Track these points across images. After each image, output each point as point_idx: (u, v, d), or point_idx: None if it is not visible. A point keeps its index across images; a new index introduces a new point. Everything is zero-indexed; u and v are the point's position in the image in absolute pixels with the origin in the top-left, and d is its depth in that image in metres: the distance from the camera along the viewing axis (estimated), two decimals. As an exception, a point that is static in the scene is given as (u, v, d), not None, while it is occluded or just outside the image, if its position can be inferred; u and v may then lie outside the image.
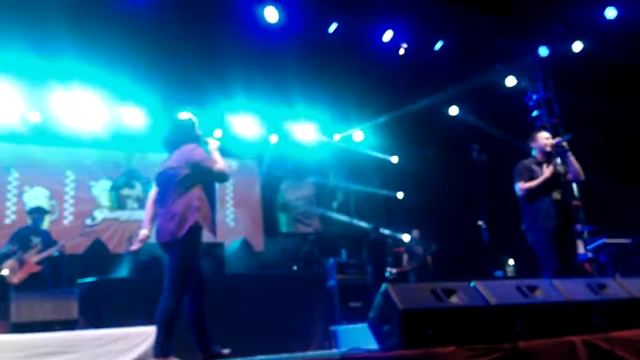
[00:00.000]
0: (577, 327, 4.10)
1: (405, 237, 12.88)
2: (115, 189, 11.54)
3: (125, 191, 11.63)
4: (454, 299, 4.04)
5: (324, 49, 10.06)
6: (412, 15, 9.85)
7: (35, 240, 8.16)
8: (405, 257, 12.17)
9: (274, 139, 12.61)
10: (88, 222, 9.49)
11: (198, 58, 9.42)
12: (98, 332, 6.21)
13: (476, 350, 3.64)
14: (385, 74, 11.07)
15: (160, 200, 4.90)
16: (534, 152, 6.21)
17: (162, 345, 4.53)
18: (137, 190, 11.72)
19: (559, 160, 6.15)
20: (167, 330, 4.53)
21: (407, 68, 10.91)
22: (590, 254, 8.45)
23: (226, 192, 12.59)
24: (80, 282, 7.45)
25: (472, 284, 4.23)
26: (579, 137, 6.15)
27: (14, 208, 10.44)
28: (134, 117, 10.69)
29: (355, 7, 9.53)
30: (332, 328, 8.14)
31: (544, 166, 6.03)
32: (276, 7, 9.09)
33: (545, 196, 5.93)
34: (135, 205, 11.60)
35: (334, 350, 7.36)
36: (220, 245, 8.28)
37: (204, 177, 4.86)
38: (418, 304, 3.89)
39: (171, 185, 4.79)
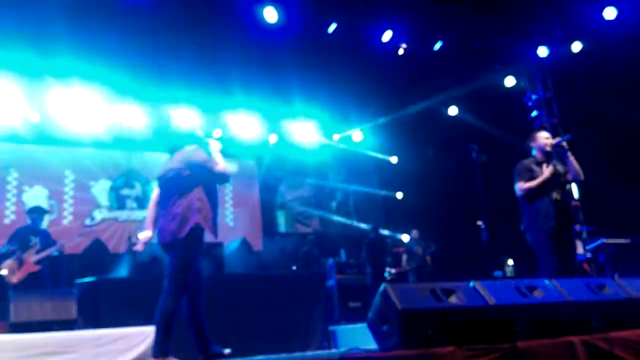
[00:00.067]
0: (576, 328, 4.09)
1: (405, 237, 12.89)
2: (114, 188, 11.54)
3: (125, 191, 11.63)
4: (453, 299, 4.04)
5: (323, 49, 10.06)
6: (411, 16, 9.85)
7: (34, 240, 8.15)
8: (404, 257, 12.19)
9: (273, 139, 12.62)
10: (87, 222, 9.49)
11: (198, 58, 9.43)
12: (97, 332, 6.20)
13: (475, 350, 3.64)
14: (385, 74, 11.08)
15: (162, 201, 4.93)
16: (534, 152, 6.20)
17: (161, 345, 4.54)
18: (137, 190, 11.72)
19: (558, 160, 6.16)
20: (166, 331, 4.54)
21: (406, 68, 10.92)
22: (589, 254, 8.46)
23: (225, 192, 12.58)
24: (79, 282, 7.44)
25: (471, 284, 4.22)
26: (578, 137, 6.15)
27: (13, 208, 10.44)
28: (134, 117, 10.69)
29: (355, 7, 9.52)
30: (331, 328, 8.13)
31: (544, 166, 6.03)
32: (275, 7, 9.08)
33: (544, 196, 5.93)
34: (135, 205, 11.60)
35: (333, 351, 7.36)
36: (219, 245, 8.28)
37: (206, 179, 4.88)
38: (417, 304, 3.89)
39: (172, 186, 4.81)
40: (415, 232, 12.39)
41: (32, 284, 7.73)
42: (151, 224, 5.12)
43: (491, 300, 4.08)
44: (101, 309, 7.00)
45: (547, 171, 5.98)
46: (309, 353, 7.03)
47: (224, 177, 5.00)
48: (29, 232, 8.29)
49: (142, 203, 11.59)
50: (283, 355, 6.08)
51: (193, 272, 4.75)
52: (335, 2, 9.47)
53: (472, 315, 3.99)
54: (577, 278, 5.03)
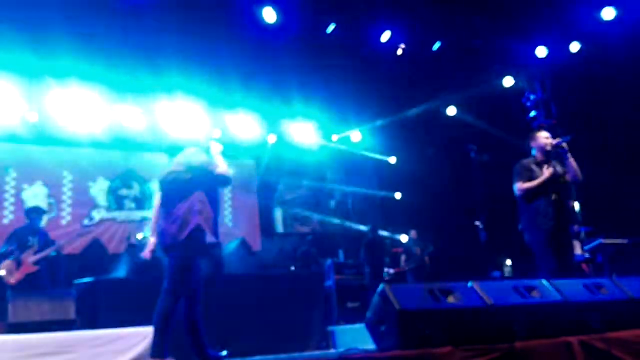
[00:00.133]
0: (574, 328, 4.09)
1: (403, 238, 12.89)
2: (113, 189, 11.53)
3: (123, 191, 11.62)
4: (451, 300, 4.04)
5: (322, 49, 10.06)
6: (410, 16, 9.85)
7: (33, 240, 8.15)
8: (403, 257, 12.20)
9: (272, 139, 12.62)
10: (86, 222, 9.49)
11: (197, 58, 9.43)
12: (95, 332, 6.18)
13: (473, 350, 3.64)
14: (383, 75, 11.09)
15: (164, 204, 4.96)
16: (534, 152, 6.20)
17: (159, 346, 4.55)
18: (135, 190, 11.71)
19: (557, 160, 6.16)
20: (164, 331, 4.55)
21: (405, 69, 10.92)
22: (587, 255, 8.46)
23: (224, 192, 12.57)
24: (77, 283, 7.43)
25: (470, 284, 4.23)
26: (577, 137, 6.16)
27: (11, 208, 10.43)
28: (132, 117, 10.68)
29: (354, 8, 9.52)
30: (330, 328, 8.12)
31: (545, 167, 6.03)
32: (274, 8, 9.08)
33: (543, 197, 5.93)
34: (133, 205, 11.59)
35: (332, 351, 7.35)
36: (218, 246, 8.27)
37: (207, 181, 4.90)
38: (415, 305, 3.89)
39: (174, 189, 4.84)
40: (413, 233, 12.40)
41: (30, 285, 7.73)
42: (156, 230, 5.13)
43: (489, 301, 4.09)
44: (100, 309, 6.98)
45: (547, 172, 5.98)
46: (308, 353, 7.01)
47: (225, 180, 5.03)
48: (28, 232, 8.28)
49: (140, 203, 11.59)
50: (281, 355, 6.08)
51: (192, 274, 4.76)
52: (334, 2, 9.46)
53: (471, 316, 4.00)
54: (575, 278, 5.02)
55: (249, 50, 9.70)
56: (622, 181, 9.54)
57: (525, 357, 3.73)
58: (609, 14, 9.66)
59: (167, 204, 4.87)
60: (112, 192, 11.51)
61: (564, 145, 6.01)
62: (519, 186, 6.03)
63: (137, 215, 11.44)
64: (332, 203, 14.35)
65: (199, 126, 10.58)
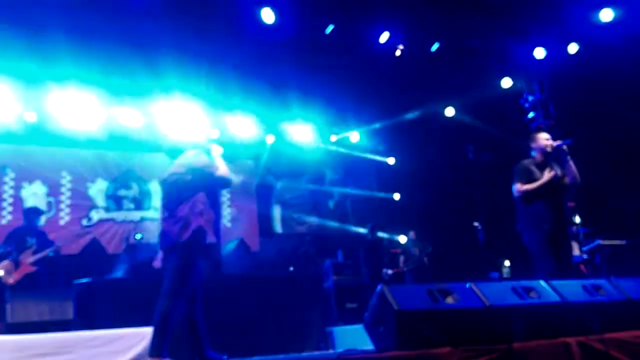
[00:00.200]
0: (572, 329, 4.10)
1: (402, 238, 12.89)
2: (111, 189, 11.53)
3: (122, 192, 11.62)
4: (449, 300, 4.05)
5: (321, 50, 10.06)
6: (408, 17, 9.86)
7: (31, 240, 8.15)
8: (401, 258, 12.19)
9: (270, 139, 12.62)
10: (84, 222, 9.48)
11: (195, 59, 9.43)
12: (93, 333, 6.17)
13: (471, 351, 3.65)
14: (382, 76, 11.09)
15: (165, 205, 4.97)
16: (534, 153, 6.21)
17: (157, 346, 4.56)
18: (134, 190, 11.71)
19: (556, 162, 6.17)
20: (164, 331, 4.56)
21: (403, 69, 10.92)
22: (585, 256, 8.47)
23: (223, 192, 12.57)
24: (76, 283, 7.43)
25: (468, 285, 4.23)
26: (575, 138, 6.16)
27: (10, 209, 10.43)
28: (130, 118, 10.68)
29: (352, 9, 9.52)
30: (328, 329, 8.13)
31: (546, 171, 6.02)
32: (273, 9, 9.08)
33: (542, 198, 5.94)
34: (132, 205, 11.59)
35: (330, 352, 7.36)
36: (216, 246, 8.26)
37: (207, 183, 4.92)
38: (414, 305, 3.90)
39: (175, 190, 4.86)
40: (412, 233, 12.39)
41: (28, 285, 7.74)
42: None
43: (487, 301, 4.09)
44: (98, 309, 6.98)
45: (547, 175, 5.98)
46: (306, 354, 7.01)
47: (225, 182, 5.05)
48: (26, 232, 8.29)
49: (139, 204, 11.60)
50: (280, 356, 6.08)
51: (193, 275, 4.77)
52: (332, 3, 9.46)
53: (469, 316, 4.00)
54: (573, 279, 5.03)
55: (247, 51, 9.70)
56: (619, 182, 9.55)
57: (523, 357, 3.74)
58: (606, 15, 9.68)
59: (169, 205, 4.88)
60: (111, 192, 11.51)
61: (565, 147, 6.02)
62: (518, 187, 6.03)
63: (136, 215, 11.45)
64: (331, 203, 14.35)
65: (197, 126, 10.58)
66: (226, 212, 12.66)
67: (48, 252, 8.12)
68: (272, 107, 11.62)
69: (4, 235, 8.59)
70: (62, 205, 10.94)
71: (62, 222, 10.84)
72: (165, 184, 5.00)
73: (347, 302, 9.36)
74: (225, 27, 9.25)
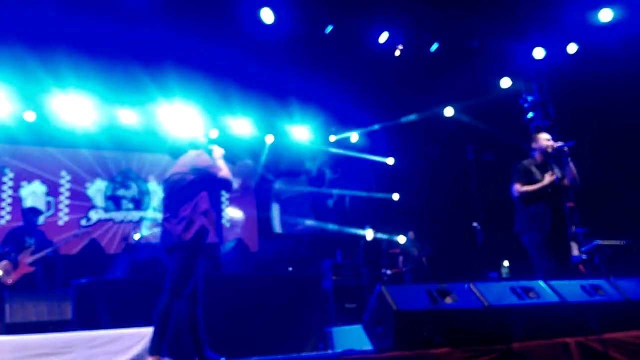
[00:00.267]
0: (571, 329, 4.10)
1: (401, 239, 12.90)
2: (110, 189, 11.53)
3: (121, 192, 11.62)
4: (448, 301, 4.05)
5: (320, 51, 10.06)
6: (408, 17, 9.86)
7: (30, 241, 8.16)
8: (400, 258, 12.20)
9: (269, 139, 12.63)
10: (83, 222, 9.48)
11: (194, 60, 9.43)
12: (92, 333, 6.17)
13: (471, 351, 3.66)
14: (381, 76, 11.09)
15: (167, 205, 4.98)
16: (534, 154, 6.20)
17: (158, 344, 4.58)
18: (133, 191, 11.71)
19: (556, 163, 6.17)
20: (164, 330, 4.58)
21: (403, 70, 10.92)
22: (584, 256, 8.47)
23: (222, 193, 12.58)
24: (75, 283, 7.43)
25: (467, 285, 4.24)
26: (575, 139, 6.15)
27: (9, 209, 10.43)
28: (129, 118, 10.68)
29: (351, 9, 9.52)
30: (327, 329, 8.13)
31: (547, 174, 6.01)
32: (272, 10, 9.08)
33: (541, 199, 5.94)
34: (131, 206, 11.59)
35: (329, 352, 7.37)
36: (216, 246, 8.27)
37: (210, 183, 4.94)
38: (413, 306, 3.90)
39: (178, 190, 4.88)
40: (411, 234, 12.41)
41: (27, 285, 7.74)
42: None
43: (487, 302, 4.10)
44: (97, 310, 6.98)
45: (547, 179, 5.97)
46: (305, 354, 7.02)
47: (227, 184, 5.08)
48: (25, 233, 8.29)
49: (138, 204, 11.60)
50: (279, 356, 6.09)
51: (196, 275, 4.79)
52: (331, 4, 9.46)
53: (468, 317, 4.01)
54: (572, 280, 5.03)
55: (246, 52, 9.70)
56: (619, 183, 9.55)
57: (523, 358, 3.74)
58: (606, 15, 9.68)
59: (171, 205, 4.91)
60: (110, 192, 11.51)
61: (566, 149, 6.01)
62: (518, 188, 6.03)
63: (135, 215, 11.46)
64: (330, 203, 14.35)
65: (196, 126, 10.59)
66: (224, 213, 12.67)
67: (47, 252, 8.12)
68: (271, 108, 11.62)
69: (3, 235, 8.58)
70: (61, 206, 10.95)
71: (61, 223, 10.84)
72: (167, 184, 5.01)
73: (346, 302, 9.34)
74: (224, 29, 9.24)
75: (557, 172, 6.06)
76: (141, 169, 11.73)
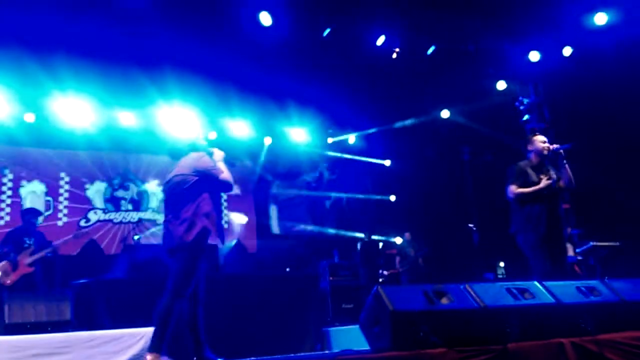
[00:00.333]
0: (566, 330, 4.11)
1: (398, 240, 12.93)
2: (109, 190, 11.55)
3: (120, 193, 11.64)
4: (444, 301, 4.06)
5: (317, 53, 10.10)
6: (404, 20, 9.89)
7: (29, 241, 8.16)
8: (397, 259, 12.23)
9: (267, 141, 12.66)
10: (82, 223, 9.49)
11: (194, 62, 9.45)
12: (91, 333, 6.18)
13: (466, 352, 3.67)
14: (378, 78, 11.12)
15: (168, 207, 5.01)
16: (530, 155, 6.22)
17: (158, 343, 4.60)
18: (131, 191, 11.73)
19: (552, 165, 6.19)
20: (165, 329, 4.60)
21: (399, 72, 10.95)
22: (579, 257, 8.51)
23: (220, 193, 12.58)
24: (74, 284, 7.44)
25: (463, 286, 4.26)
26: (570, 141, 6.17)
27: (8, 210, 10.44)
28: (128, 120, 10.70)
29: (348, 12, 9.55)
30: (325, 329, 8.16)
31: (543, 177, 6.03)
32: (269, 13, 9.10)
33: (537, 200, 5.95)
34: (130, 206, 11.61)
35: (326, 352, 7.39)
36: (214, 247, 8.28)
37: (211, 185, 4.96)
38: (409, 306, 3.91)
39: (180, 191, 4.89)
40: (407, 235, 12.43)
41: (26, 286, 7.75)
42: None
43: (482, 302, 4.11)
44: (96, 310, 7.00)
45: (543, 182, 5.98)
46: (302, 354, 7.04)
47: (227, 186, 5.10)
48: (23, 233, 8.29)
49: (137, 205, 11.62)
50: (276, 356, 6.11)
51: (197, 276, 4.82)
52: (329, 7, 9.49)
53: (464, 317, 4.01)
54: (567, 280, 5.05)
55: (244, 55, 9.72)
56: (614, 184, 9.58)
57: (518, 358, 3.75)
58: (601, 18, 9.73)
59: (174, 206, 4.93)
60: (109, 193, 11.53)
61: (562, 151, 6.02)
62: (513, 189, 6.04)
63: (134, 216, 11.48)
64: (328, 203, 14.38)
65: (194, 128, 10.61)
66: (223, 214, 12.68)
67: (46, 252, 8.13)
68: (269, 110, 11.65)
69: (2, 236, 8.59)
70: (61, 207, 10.97)
71: (60, 223, 10.85)
72: (169, 185, 5.03)
73: (343, 302, 9.37)
74: (223, 31, 9.27)
75: (553, 174, 6.07)
76: (140, 170, 11.75)
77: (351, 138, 13.43)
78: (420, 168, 13.17)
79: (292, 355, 6.50)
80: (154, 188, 11.74)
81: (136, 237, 9.35)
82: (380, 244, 12.92)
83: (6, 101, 9.66)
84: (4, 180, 10.56)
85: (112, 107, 10.52)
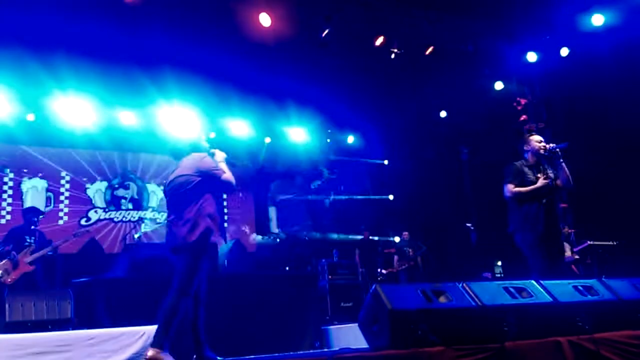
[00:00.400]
0: (563, 328, 4.12)
1: (396, 239, 12.95)
2: (110, 189, 11.57)
3: (120, 192, 11.66)
4: (442, 300, 4.08)
5: (317, 54, 10.10)
6: (403, 21, 9.91)
7: (29, 240, 8.18)
8: (395, 258, 12.25)
9: (267, 140, 12.69)
10: (83, 222, 9.50)
11: (193, 62, 9.47)
12: (91, 331, 6.19)
13: (464, 350, 3.69)
14: (377, 78, 11.14)
15: (171, 207, 5.03)
16: (526, 155, 6.24)
17: (161, 339, 4.63)
18: (132, 190, 11.75)
19: (549, 164, 6.21)
20: (167, 326, 4.63)
21: (398, 72, 10.97)
22: (576, 256, 8.53)
23: (221, 194, 12.61)
24: (74, 282, 7.47)
25: (461, 284, 4.28)
26: (568, 141, 6.19)
27: (9, 208, 10.46)
28: (129, 119, 10.72)
29: (347, 12, 9.57)
30: (324, 327, 8.18)
31: (541, 177, 6.05)
32: (269, 13, 9.12)
33: (534, 200, 5.97)
34: (130, 206, 11.63)
35: (325, 350, 7.41)
36: (214, 246, 8.30)
37: (213, 186, 4.99)
38: (407, 305, 3.92)
39: (183, 192, 4.92)
40: (406, 234, 12.44)
41: (26, 284, 7.77)
42: None
43: (480, 301, 4.12)
44: (96, 308, 7.02)
45: (541, 182, 5.99)
46: (301, 352, 7.06)
47: (229, 186, 5.12)
48: (24, 232, 8.31)
49: (137, 204, 11.64)
50: (275, 355, 6.13)
51: (200, 275, 4.84)
52: (328, 8, 9.50)
53: (462, 316, 4.02)
54: (565, 279, 5.07)
55: (244, 56, 9.74)
56: (611, 183, 9.61)
57: (515, 356, 3.77)
58: (598, 20, 9.76)
59: (177, 206, 4.95)
60: (109, 192, 11.55)
61: (559, 151, 6.04)
62: (510, 188, 6.05)
63: (134, 215, 11.49)
64: (327, 202, 14.40)
65: (195, 128, 10.63)
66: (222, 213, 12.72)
67: (46, 251, 8.15)
68: (268, 110, 11.67)
69: (3, 234, 8.61)
70: (61, 205, 10.99)
71: (60, 222, 10.87)
72: (172, 185, 5.05)
73: (342, 301, 9.40)
74: (223, 32, 9.28)
75: (550, 173, 6.09)
76: (140, 169, 11.77)
77: (350, 138, 13.45)
78: (419, 168, 13.19)
79: (291, 353, 6.53)
80: (154, 187, 11.76)
81: (136, 235, 9.38)
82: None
83: (7, 100, 9.67)
84: (5, 179, 10.58)
85: (112, 106, 10.54)
